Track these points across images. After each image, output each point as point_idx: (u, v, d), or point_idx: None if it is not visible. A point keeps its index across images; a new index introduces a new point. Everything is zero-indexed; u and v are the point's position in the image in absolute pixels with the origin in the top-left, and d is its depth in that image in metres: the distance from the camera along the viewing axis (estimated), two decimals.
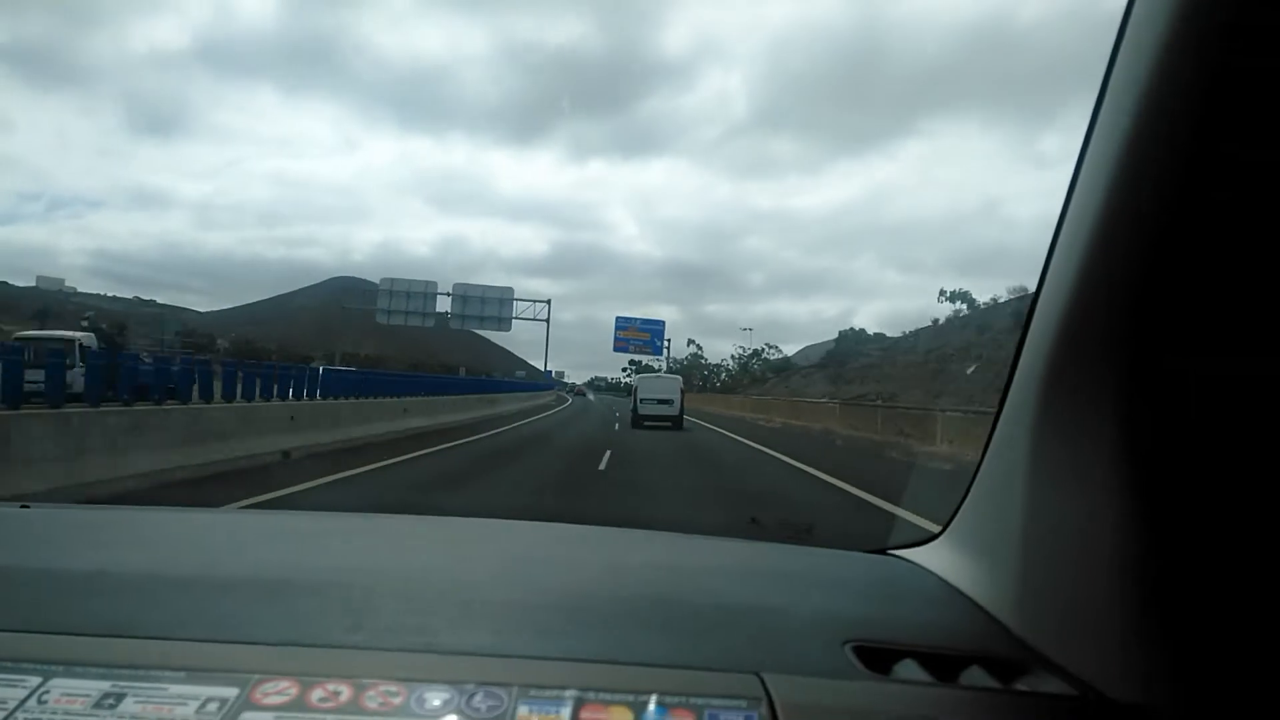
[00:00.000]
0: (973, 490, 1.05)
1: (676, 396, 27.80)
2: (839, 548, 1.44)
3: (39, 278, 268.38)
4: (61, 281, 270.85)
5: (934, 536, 1.20)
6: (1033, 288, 0.86)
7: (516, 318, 59.67)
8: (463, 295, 58.19)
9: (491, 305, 58.04)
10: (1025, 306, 0.87)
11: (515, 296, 59.16)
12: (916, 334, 53.02)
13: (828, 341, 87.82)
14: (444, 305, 57.76)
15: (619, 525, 1.65)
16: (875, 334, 67.85)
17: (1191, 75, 0.59)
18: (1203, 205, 0.62)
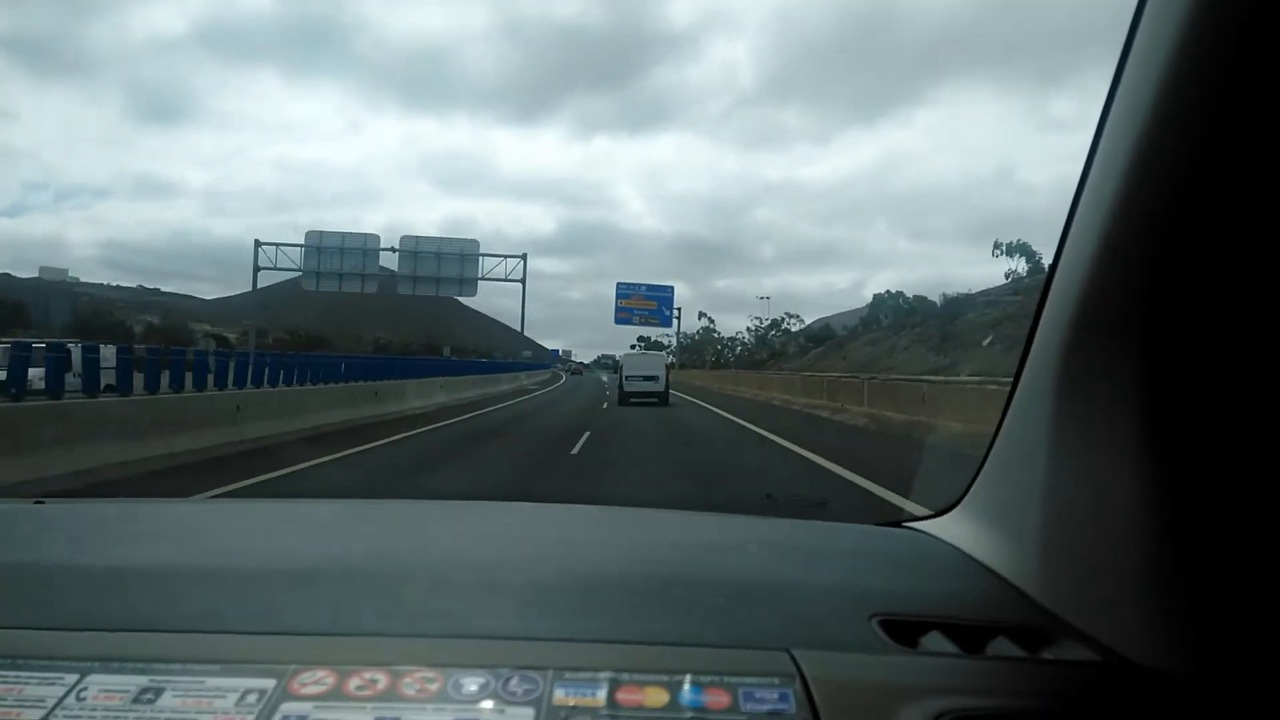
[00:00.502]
0: (989, 462, 1.05)
1: (661, 373, 28.68)
2: (853, 521, 1.44)
3: (42, 268, 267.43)
4: (65, 272, 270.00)
5: (949, 508, 1.20)
6: (1050, 255, 0.85)
7: (485, 278, 45.94)
8: (413, 251, 44.09)
9: (451, 263, 43.85)
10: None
11: (482, 252, 45.55)
12: (996, 291, 44.91)
13: (858, 309, 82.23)
14: (391, 264, 44.44)
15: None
16: (915, 297, 60.63)
17: (1208, 60, 0.59)
18: (1219, 187, 0.63)
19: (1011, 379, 0.96)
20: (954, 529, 1.15)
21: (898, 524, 1.34)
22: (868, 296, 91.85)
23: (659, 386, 28.26)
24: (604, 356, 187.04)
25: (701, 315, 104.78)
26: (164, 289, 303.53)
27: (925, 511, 1.29)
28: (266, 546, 1.19)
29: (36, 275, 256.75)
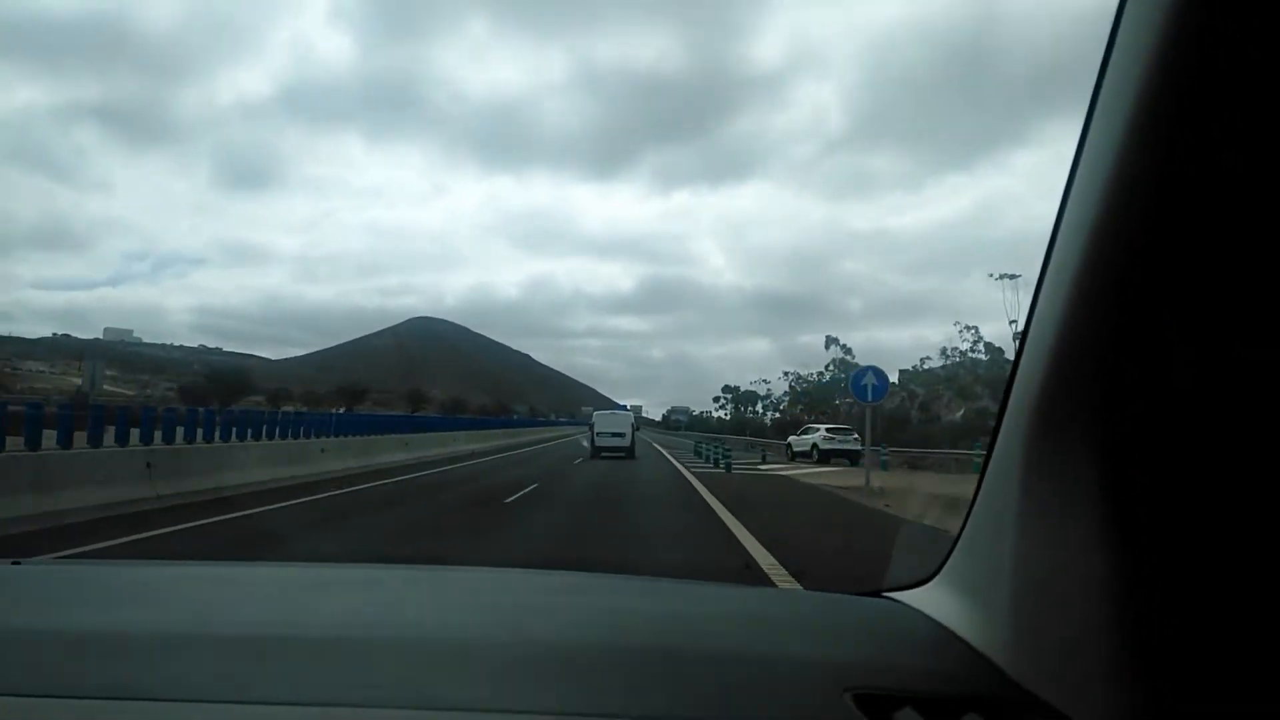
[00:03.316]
0: (965, 532, 1.08)
1: (628, 430, 32.34)
2: (832, 591, 1.47)
3: (106, 329, 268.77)
4: (129, 332, 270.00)
5: (928, 579, 1.23)
6: None
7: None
8: None
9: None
10: None
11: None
12: None
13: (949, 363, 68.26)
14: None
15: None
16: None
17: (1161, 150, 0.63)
18: (1159, 292, 0.67)
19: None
20: (931, 599, 1.16)
21: (877, 594, 1.36)
22: (963, 348, 73.59)
23: (626, 442, 31.68)
24: (674, 411, 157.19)
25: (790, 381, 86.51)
26: (227, 349, 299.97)
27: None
28: (235, 613, 1.20)
29: (99, 336, 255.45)
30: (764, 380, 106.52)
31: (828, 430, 35.04)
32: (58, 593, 1.27)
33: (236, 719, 0.73)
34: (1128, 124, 0.63)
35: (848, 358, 76.44)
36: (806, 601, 1.43)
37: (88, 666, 0.88)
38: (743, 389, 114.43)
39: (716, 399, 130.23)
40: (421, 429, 27.31)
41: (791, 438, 38.27)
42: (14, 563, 1.40)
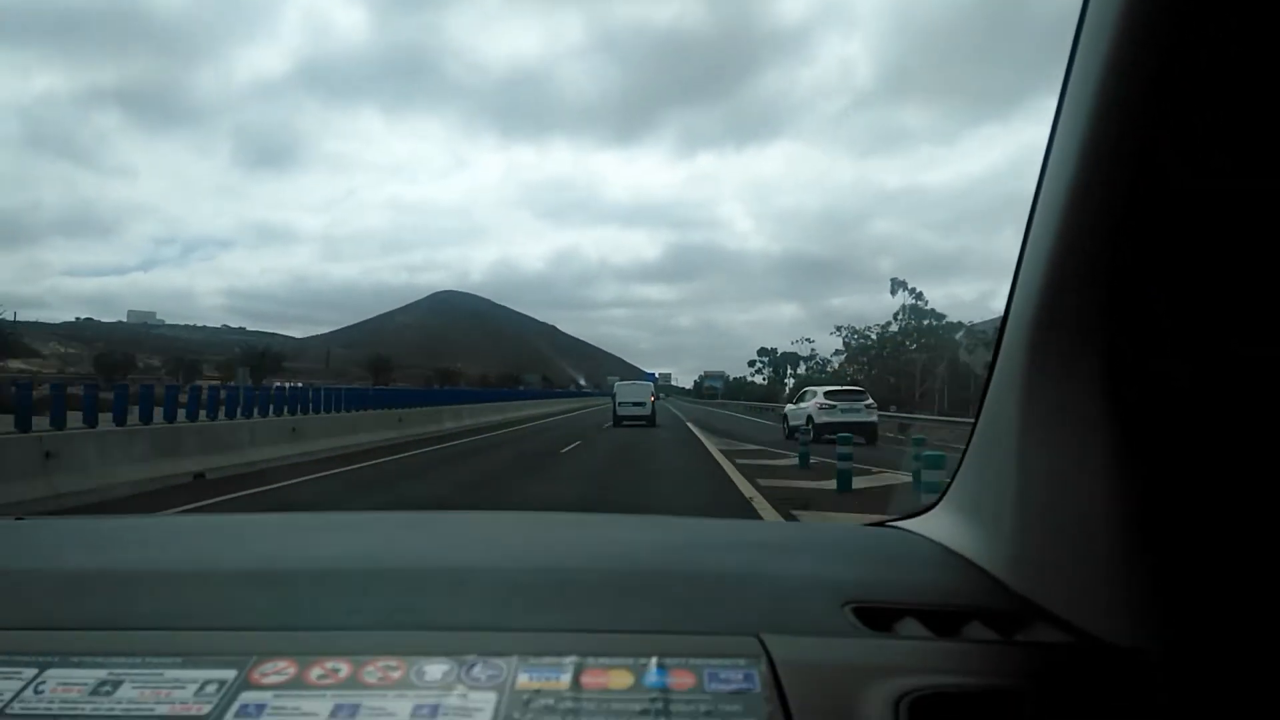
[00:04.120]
0: (967, 458, 1.10)
1: (648, 400, 33.68)
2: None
3: (129, 312, 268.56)
4: (153, 315, 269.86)
5: (930, 507, 1.24)
6: None
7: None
8: None
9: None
10: None
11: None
12: None
13: (988, 320, 57.87)
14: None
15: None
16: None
17: (1151, 50, 0.62)
18: (1173, 180, 0.66)
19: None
20: (935, 525, 1.18)
21: (881, 524, 1.37)
22: (996, 309, 61.93)
23: (646, 411, 32.87)
24: (708, 377, 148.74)
25: (837, 332, 74.26)
26: (250, 329, 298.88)
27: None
28: (231, 552, 1.20)
29: (123, 319, 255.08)
30: (806, 339, 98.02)
31: (827, 394, 24.12)
32: (58, 541, 1.30)
33: (235, 643, 0.73)
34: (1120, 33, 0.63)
35: (920, 303, 63.56)
36: (810, 530, 1.48)
37: (83, 602, 0.88)
38: (780, 351, 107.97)
39: (752, 363, 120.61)
40: (468, 401, 30.89)
41: (788, 407, 27.11)
42: (17, 518, 1.45)
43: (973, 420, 1.06)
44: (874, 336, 67.77)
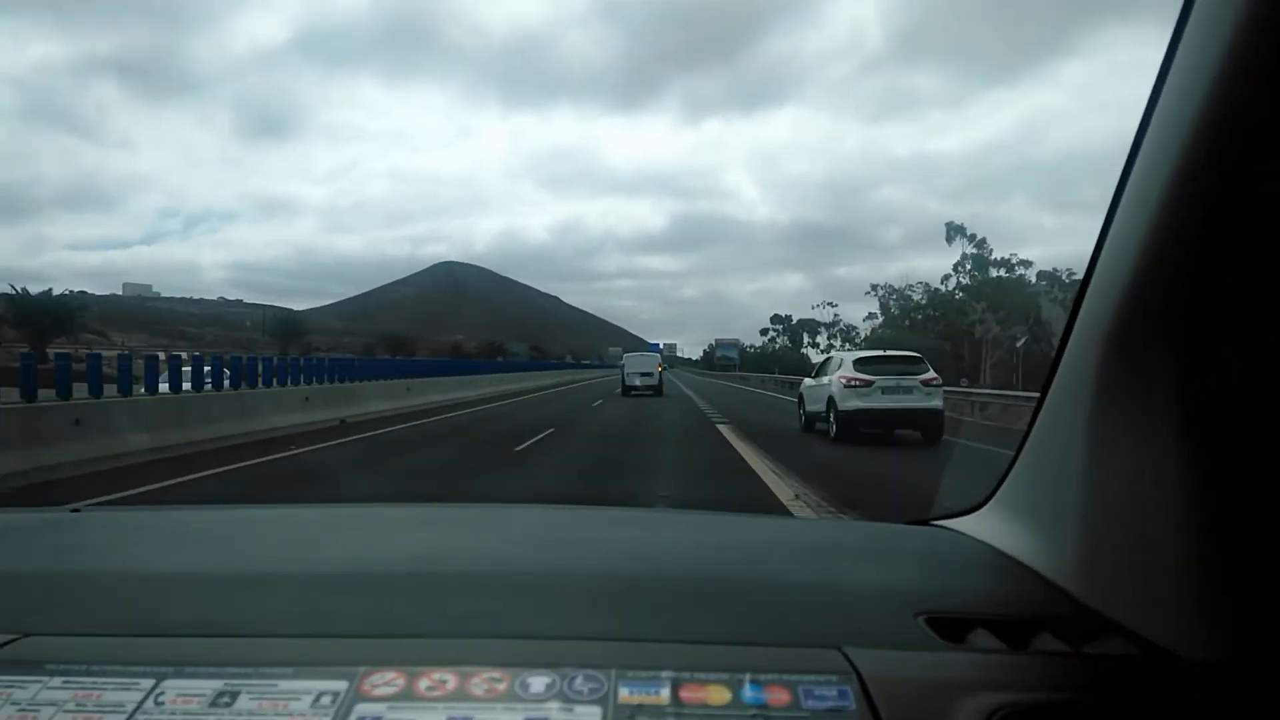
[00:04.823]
0: (1021, 458, 1.08)
1: (655, 371, 35.05)
2: (878, 521, 1.49)
3: (124, 284, 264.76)
4: (148, 287, 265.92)
5: (977, 507, 1.23)
6: None
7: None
8: None
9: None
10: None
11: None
12: None
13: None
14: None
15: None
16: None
17: (1256, 57, 0.60)
18: (1261, 188, 0.65)
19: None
20: (985, 527, 1.16)
21: (925, 522, 1.36)
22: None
23: (654, 381, 34.36)
24: (722, 345, 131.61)
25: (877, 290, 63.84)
26: (248, 300, 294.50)
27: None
28: (311, 552, 1.20)
29: (117, 292, 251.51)
30: (828, 304, 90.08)
31: (859, 364, 14.63)
32: (124, 537, 1.29)
33: (334, 652, 0.74)
34: (1234, 20, 0.60)
35: (983, 252, 52.98)
36: (857, 531, 1.44)
37: (179, 607, 0.89)
38: (796, 318, 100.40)
39: (764, 330, 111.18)
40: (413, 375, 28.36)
41: (806, 383, 17.35)
42: (73, 509, 1.41)
43: (1029, 420, 1.03)
44: (918, 296, 57.28)
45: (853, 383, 14.21)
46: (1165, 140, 0.68)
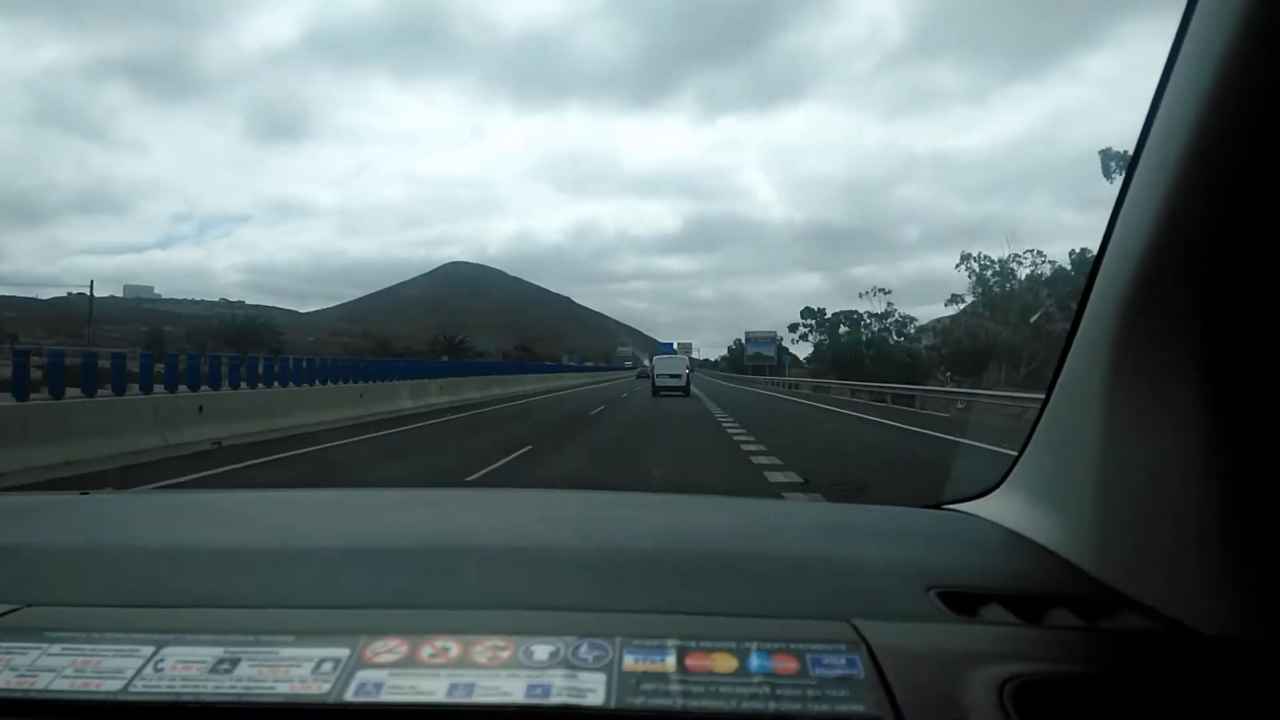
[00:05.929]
0: (1034, 440, 1.09)
1: (683, 372, 37.80)
2: (891, 504, 1.49)
3: (125, 287, 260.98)
4: (150, 289, 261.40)
5: (989, 490, 1.24)
6: None
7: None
8: None
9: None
10: None
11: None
12: None
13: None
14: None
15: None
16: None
17: (1270, 30, 0.61)
18: (1274, 173, 0.65)
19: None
20: (999, 508, 1.18)
21: (938, 506, 1.36)
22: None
23: (682, 382, 36.82)
24: (754, 339, 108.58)
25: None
26: (249, 302, 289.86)
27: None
28: (320, 529, 1.23)
29: (118, 294, 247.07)
30: (881, 290, 71.32)
31: None
32: (133, 517, 1.32)
33: (337, 621, 0.74)
34: (1237, 16, 0.61)
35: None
36: (872, 513, 1.48)
37: (179, 579, 0.90)
38: (829, 311, 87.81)
39: (794, 326, 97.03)
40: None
41: None
42: (82, 493, 1.46)
43: (1041, 403, 1.03)
44: (1030, 269, 41.49)
45: None
46: (1185, 98, 0.68)
